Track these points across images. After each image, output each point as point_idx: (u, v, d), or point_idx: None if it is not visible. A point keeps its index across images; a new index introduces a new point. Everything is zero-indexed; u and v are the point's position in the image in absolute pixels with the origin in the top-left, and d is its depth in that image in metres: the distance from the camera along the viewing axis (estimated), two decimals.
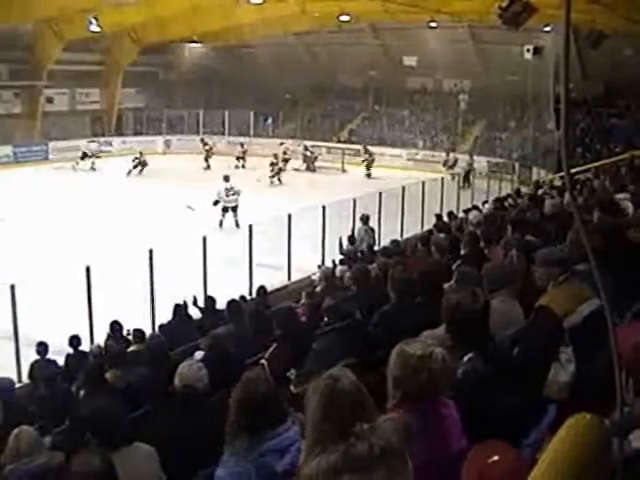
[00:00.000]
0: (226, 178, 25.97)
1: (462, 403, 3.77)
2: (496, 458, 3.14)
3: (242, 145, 42.28)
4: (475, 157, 39.03)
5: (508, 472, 2.80)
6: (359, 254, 17.39)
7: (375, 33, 45.19)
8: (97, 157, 39.25)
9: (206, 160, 40.49)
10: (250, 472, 3.78)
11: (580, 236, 5.32)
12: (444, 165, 38.14)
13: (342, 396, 2.90)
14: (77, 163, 38.68)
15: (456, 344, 4.49)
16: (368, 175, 39.02)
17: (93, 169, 38.63)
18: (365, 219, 18.72)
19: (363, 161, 40.04)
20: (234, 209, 25.24)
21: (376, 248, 17.63)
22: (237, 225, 24.55)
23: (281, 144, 40.93)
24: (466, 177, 35.96)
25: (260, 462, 3.82)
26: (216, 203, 25.25)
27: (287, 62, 47.06)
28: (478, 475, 3.13)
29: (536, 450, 3.49)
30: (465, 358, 4.39)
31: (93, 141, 40.14)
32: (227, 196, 25.29)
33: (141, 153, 39.48)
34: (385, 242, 17.13)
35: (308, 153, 40.74)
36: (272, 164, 36.56)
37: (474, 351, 4.41)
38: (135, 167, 38.42)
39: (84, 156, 38.80)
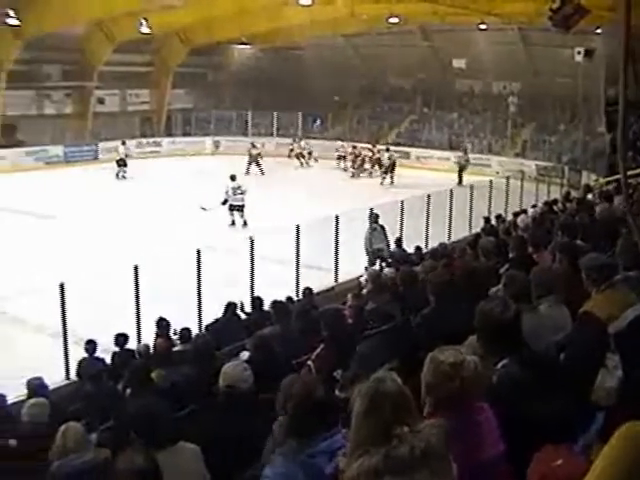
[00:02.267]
0: (232, 177, 26.31)
1: (499, 407, 3.75)
2: (560, 462, 3.11)
3: (254, 146, 41.10)
4: (470, 154, 39.27)
5: (571, 476, 2.76)
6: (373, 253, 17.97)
7: (424, 35, 45.04)
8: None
9: (250, 164, 39.51)
10: (297, 473, 3.77)
11: (628, 242, 5.25)
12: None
13: (385, 398, 2.89)
14: (124, 172, 37.46)
15: (488, 352, 4.46)
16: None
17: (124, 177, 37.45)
18: (375, 217, 18.78)
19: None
20: (241, 208, 25.71)
21: (392, 248, 17.69)
22: (245, 224, 25.39)
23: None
24: (460, 173, 36.09)
25: (309, 463, 3.82)
26: (225, 202, 25.67)
27: (336, 64, 46.99)
28: (541, 478, 3.11)
29: (585, 456, 3.44)
30: (499, 364, 4.38)
31: (124, 143, 38.96)
32: (234, 194, 25.71)
33: (253, 145, 40.07)
34: (433, 245, 17.02)
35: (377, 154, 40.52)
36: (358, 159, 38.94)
37: (508, 357, 4.39)
38: (250, 164, 38.93)
39: (122, 163, 37.60)
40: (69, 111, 43.34)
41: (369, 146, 40.86)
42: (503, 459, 3.56)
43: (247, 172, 38.72)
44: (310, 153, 43.52)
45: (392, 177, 36.96)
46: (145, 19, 35.21)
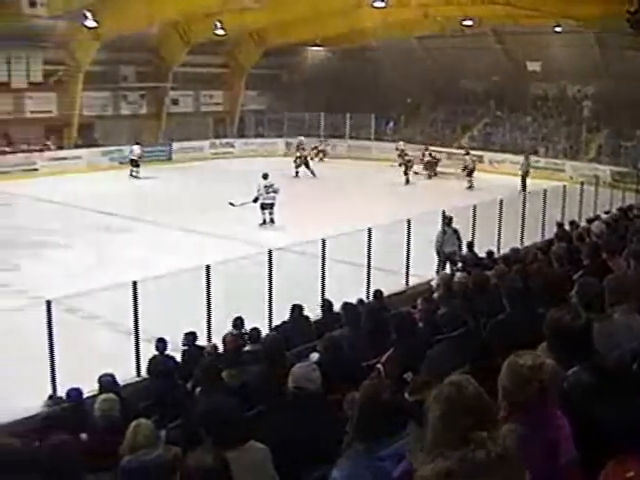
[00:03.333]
0: (265, 176, 26.46)
1: (569, 414, 3.71)
2: (632, 474, 3.06)
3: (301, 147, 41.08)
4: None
5: None
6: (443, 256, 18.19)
7: (498, 37, 44.62)
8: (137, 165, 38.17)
9: (300, 166, 39.28)
10: (364, 476, 3.75)
11: None
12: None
13: (465, 402, 2.87)
14: (137, 172, 37.86)
15: (558, 359, 4.42)
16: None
17: (137, 177, 37.73)
18: (448, 220, 18.72)
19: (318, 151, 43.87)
20: (271, 206, 25.96)
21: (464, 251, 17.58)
22: (272, 222, 25.92)
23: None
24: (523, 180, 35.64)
25: (377, 466, 3.80)
26: (256, 200, 25.90)
27: (408, 66, 46.74)
28: None
29: None
30: (570, 371, 4.33)
31: (138, 143, 39.11)
32: (267, 193, 25.96)
33: (300, 144, 40.14)
34: (504, 250, 16.88)
35: (428, 157, 40.28)
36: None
37: (578, 365, 4.35)
38: (298, 166, 38.93)
39: (135, 163, 38.03)
40: (144, 112, 44.02)
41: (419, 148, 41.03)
42: (576, 465, 3.52)
43: (313, 174, 38.76)
44: (322, 151, 44.52)
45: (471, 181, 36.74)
46: (220, 21, 35.56)
